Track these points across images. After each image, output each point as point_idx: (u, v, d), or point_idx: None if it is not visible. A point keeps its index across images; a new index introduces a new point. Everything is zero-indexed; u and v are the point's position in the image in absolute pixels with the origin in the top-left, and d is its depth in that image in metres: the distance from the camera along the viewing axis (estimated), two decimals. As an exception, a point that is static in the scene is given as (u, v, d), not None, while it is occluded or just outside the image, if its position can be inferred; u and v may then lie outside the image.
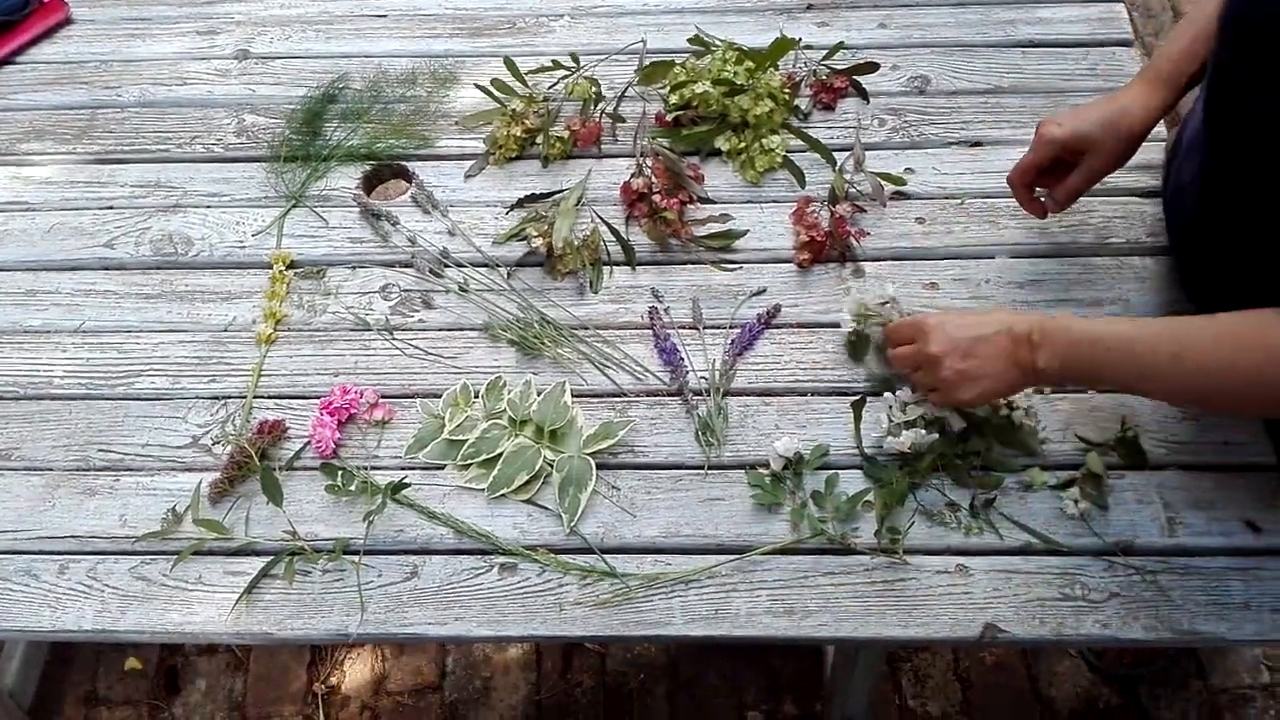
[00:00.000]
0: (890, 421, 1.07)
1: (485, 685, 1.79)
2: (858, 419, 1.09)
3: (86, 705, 1.81)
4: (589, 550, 1.06)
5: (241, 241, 1.30)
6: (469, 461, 1.10)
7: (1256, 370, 0.87)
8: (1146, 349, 0.93)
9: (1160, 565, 1.02)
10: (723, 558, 1.04)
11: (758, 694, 1.72)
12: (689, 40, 1.41)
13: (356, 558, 1.05)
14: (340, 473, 1.09)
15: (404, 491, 1.08)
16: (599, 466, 1.10)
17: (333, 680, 1.81)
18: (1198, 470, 1.07)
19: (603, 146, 1.35)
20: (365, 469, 1.10)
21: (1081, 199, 1.13)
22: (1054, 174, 1.11)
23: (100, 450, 1.15)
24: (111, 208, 1.34)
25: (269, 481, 1.06)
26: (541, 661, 1.79)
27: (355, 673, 1.81)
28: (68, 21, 1.54)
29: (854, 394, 1.12)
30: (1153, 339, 0.93)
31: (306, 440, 1.13)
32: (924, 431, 1.05)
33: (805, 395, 1.15)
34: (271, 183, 1.34)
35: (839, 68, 1.38)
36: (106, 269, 1.29)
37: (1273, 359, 0.86)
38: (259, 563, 1.06)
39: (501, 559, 1.06)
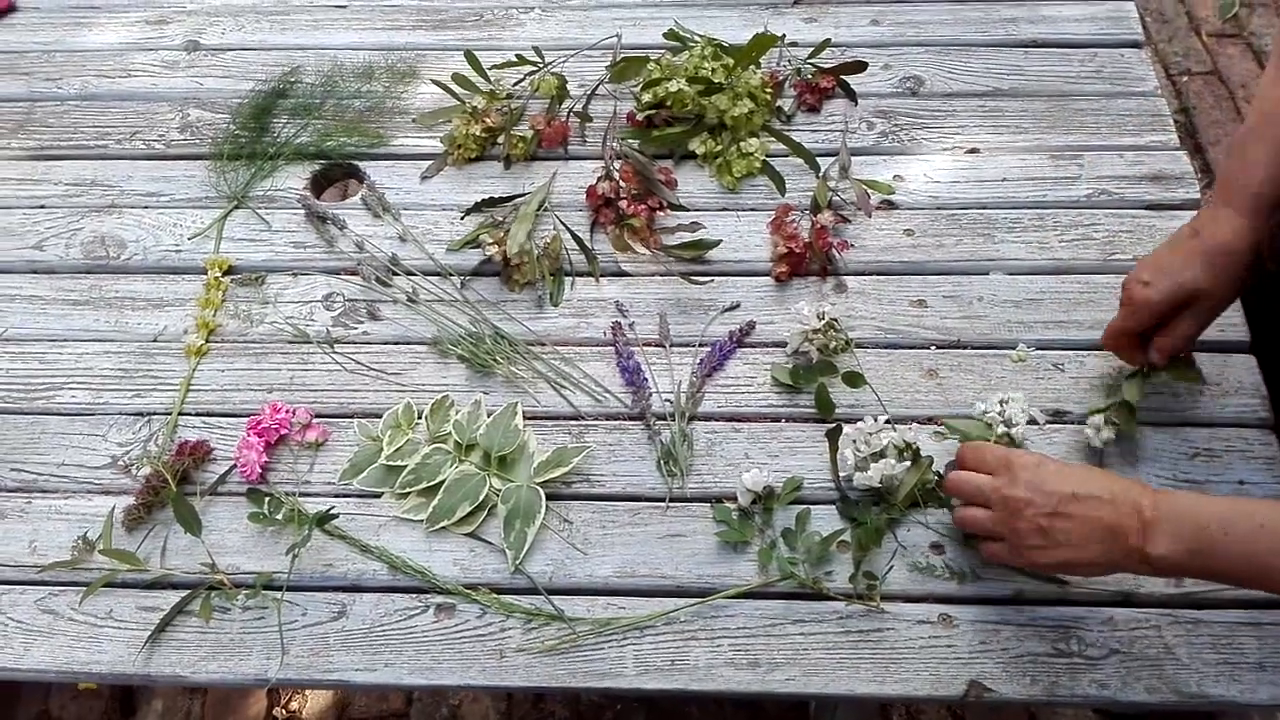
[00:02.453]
0: (856, 455, 0.97)
1: (453, 714, 1.71)
2: (834, 450, 1.00)
3: (38, 727, 1.74)
4: (535, 591, 0.97)
5: (178, 245, 1.21)
6: (407, 490, 1.01)
7: None
8: None
9: (1165, 618, 0.93)
10: (682, 602, 0.95)
11: (739, 729, 1.64)
12: (665, 35, 1.32)
13: (279, 594, 0.96)
14: (267, 500, 1.00)
15: (335, 522, 0.99)
16: (550, 497, 1.00)
17: (293, 706, 1.73)
18: (1208, 512, 0.97)
19: (569, 148, 1.27)
20: (295, 496, 1.01)
21: (1085, 211, 1.03)
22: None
23: (13, 470, 1.07)
24: (43, 207, 1.26)
25: (182, 509, 0.97)
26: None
27: (318, 699, 1.73)
28: (12, 9, 1.46)
29: (830, 422, 1.03)
30: None
31: (232, 463, 1.04)
32: (894, 462, 0.95)
33: (779, 421, 1.05)
34: (213, 182, 1.25)
35: (825, 66, 1.29)
36: (34, 272, 1.21)
37: None
38: (175, 597, 0.97)
39: (439, 599, 0.97)
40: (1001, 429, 0.99)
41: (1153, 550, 0.80)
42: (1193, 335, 0.96)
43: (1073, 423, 1.03)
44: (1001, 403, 1.00)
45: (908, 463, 0.96)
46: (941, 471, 0.98)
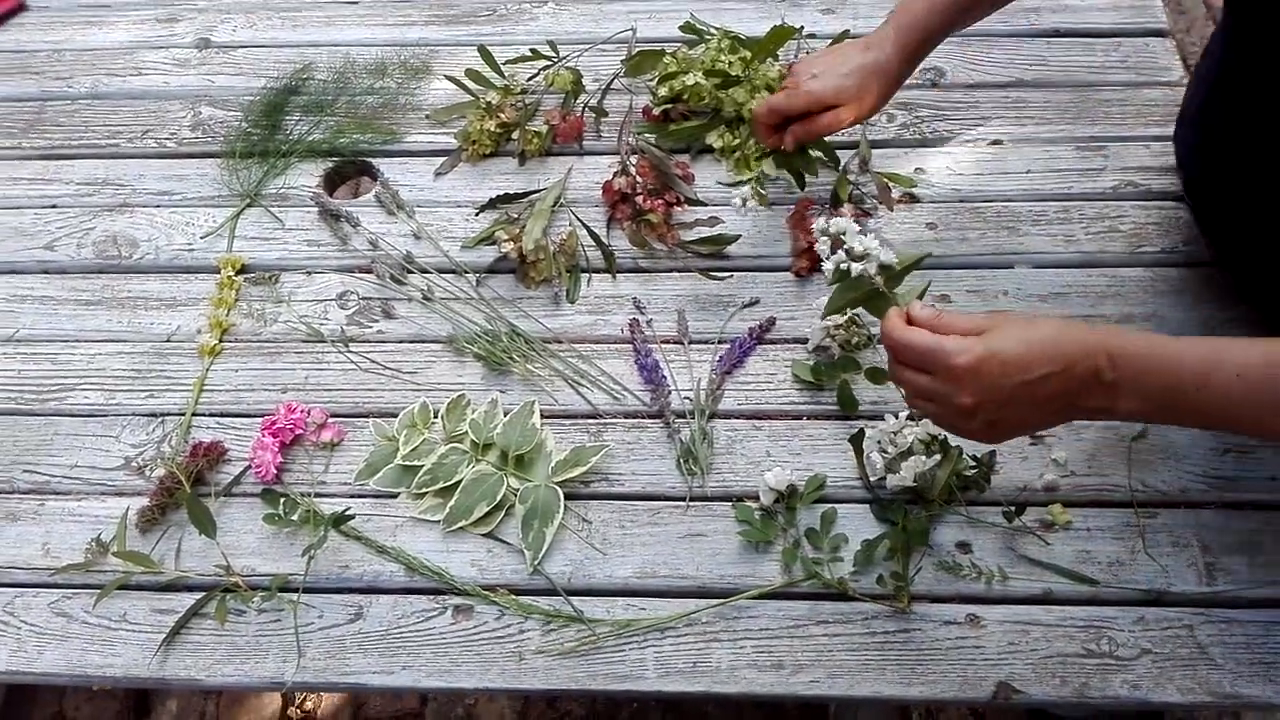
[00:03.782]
0: (884, 457, 0.95)
1: (468, 713, 1.70)
2: (859, 454, 0.98)
3: (53, 728, 1.74)
4: (554, 592, 0.95)
5: (190, 244, 1.20)
6: (424, 490, 1.00)
7: None
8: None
9: (1198, 618, 0.91)
10: (704, 602, 0.93)
11: (757, 729, 1.62)
12: (681, 28, 1.30)
13: (295, 596, 0.95)
14: (282, 501, 0.99)
15: (351, 523, 0.98)
16: (568, 497, 0.99)
17: (308, 705, 1.72)
18: (1241, 509, 0.96)
19: (584, 143, 1.25)
20: (310, 496, 1.00)
21: (1111, 203, 1.02)
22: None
23: (26, 471, 1.06)
24: (55, 206, 1.25)
25: (196, 510, 0.95)
26: (527, 690, 1.69)
27: (332, 698, 1.72)
28: (22, 8, 1.45)
29: (853, 420, 1.01)
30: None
31: (247, 464, 1.03)
32: (923, 458, 0.93)
33: (800, 419, 1.03)
34: (225, 180, 1.24)
35: (844, 58, 1.26)
36: (46, 273, 1.20)
37: None
38: (190, 599, 0.96)
39: (456, 600, 0.95)
40: (872, 268, 0.84)
41: (1118, 408, 0.78)
42: (824, 132, 1.04)
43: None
44: (835, 239, 0.85)
45: (938, 455, 0.94)
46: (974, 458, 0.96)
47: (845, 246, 0.84)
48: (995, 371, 0.77)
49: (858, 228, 0.85)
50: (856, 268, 0.84)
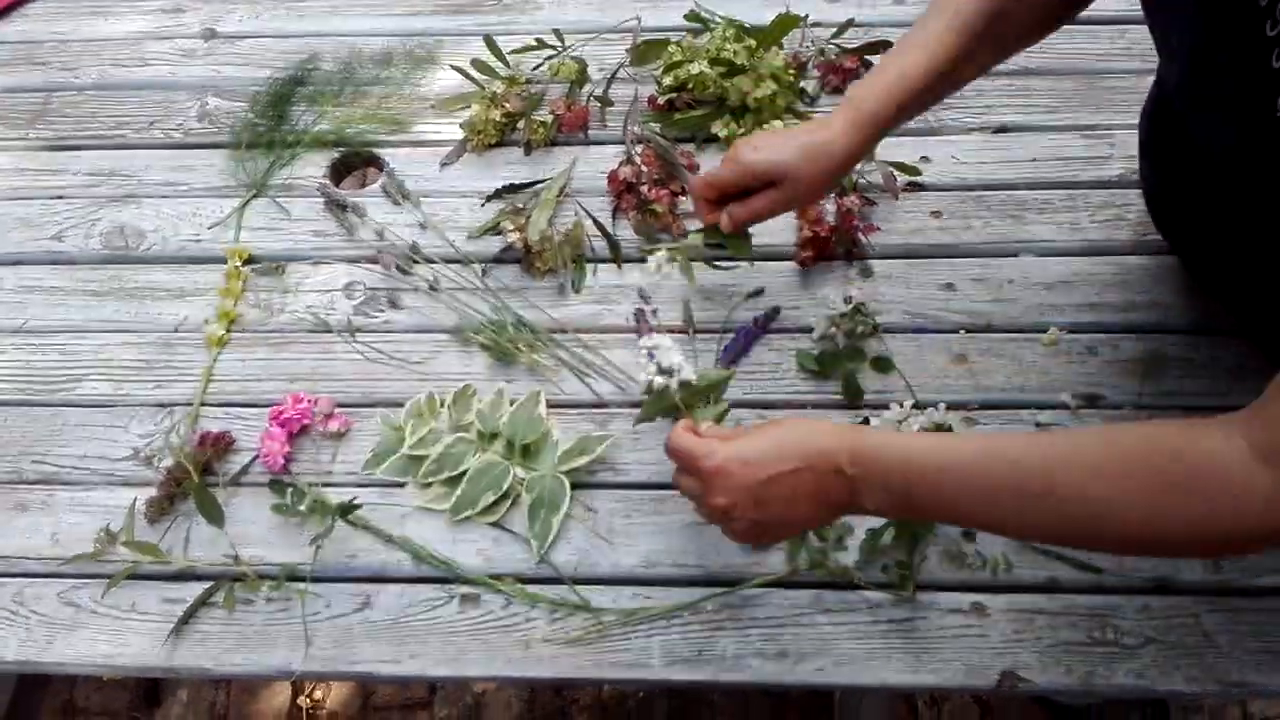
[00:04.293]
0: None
1: (476, 702, 1.71)
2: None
3: (64, 716, 1.75)
4: (560, 581, 0.95)
5: (197, 234, 1.20)
6: (430, 479, 1.00)
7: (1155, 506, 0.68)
8: (1008, 476, 0.72)
9: (1204, 606, 0.91)
10: (709, 591, 0.94)
11: (763, 716, 1.62)
12: (686, 17, 1.30)
13: (303, 586, 0.95)
14: (289, 490, 0.99)
15: (358, 512, 0.98)
16: (574, 486, 0.99)
17: (317, 695, 1.73)
18: (1247, 498, 0.95)
19: (590, 132, 1.25)
20: (317, 486, 1.00)
21: (1117, 191, 1.01)
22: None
23: (34, 462, 1.06)
24: (62, 197, 1.25)
25: (204, 500, 0.96)
26: (534, 679, 1.70)
27: (341, 687, 1.73)
28: (28, -1, 1.45)
29: (858, 409, 1.01)
30: (1017, 465, 0.72)
31: (255, 454, 1.03)
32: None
33: (805, 408, 1.04)
34: (232, 171, 1.24)
35: (849, 47, 1.26)
36: (53, 263, 1.20)
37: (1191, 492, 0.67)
38: (198, 589, 0.97)
39: (463, 589, 0.96)
40: (674, 382, 0.87)
41: (863, 503, 0.77)
42: (764, 213, 0.97)
43: (1107, 407, 1.01)
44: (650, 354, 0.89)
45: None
46: None
47: (655, 361, 0.87)
48: (737, 471, 0.78)
49: (671, 344, 0.88)
50: (660, 382, 0.87)
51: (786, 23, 1.23)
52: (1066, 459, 0.71)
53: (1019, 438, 0.79)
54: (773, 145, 0.95)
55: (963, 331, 1.07)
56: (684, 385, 0.88)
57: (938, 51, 0.92)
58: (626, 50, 1.29)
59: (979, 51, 0.94)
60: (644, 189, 1.14)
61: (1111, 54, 1.27)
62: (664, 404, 0.88)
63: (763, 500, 0.78)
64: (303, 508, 0.98)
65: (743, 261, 1.08)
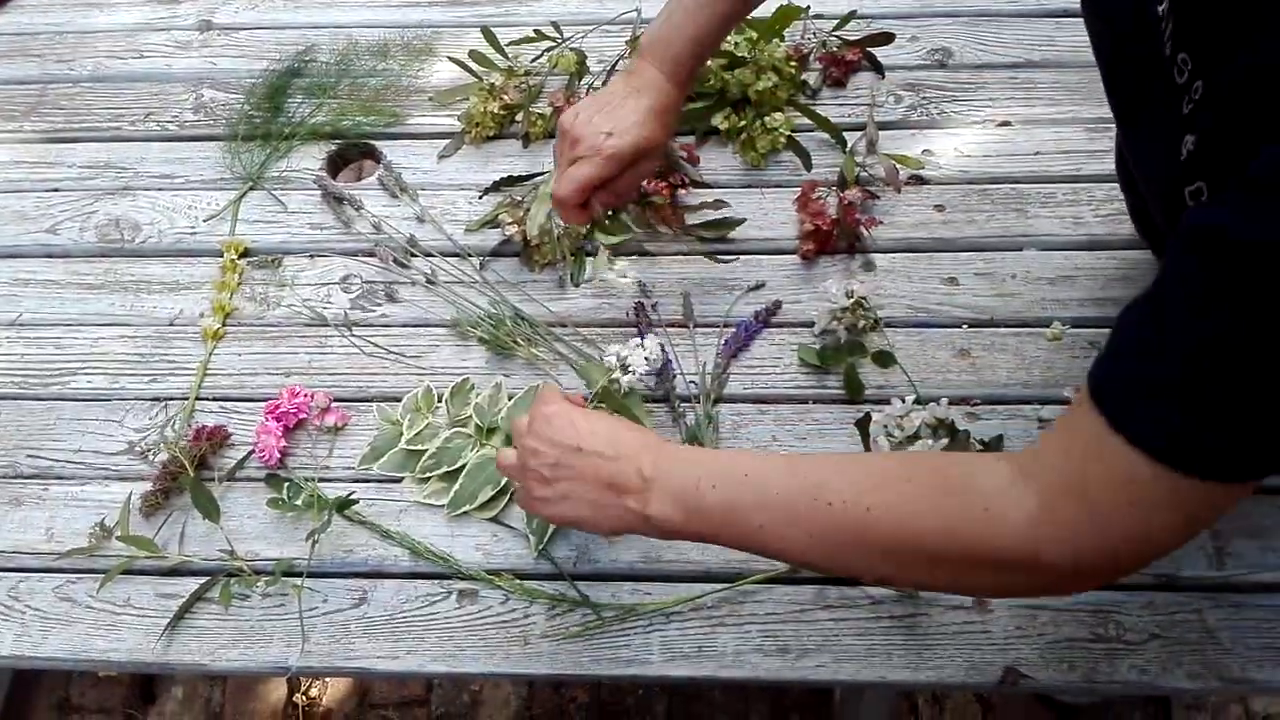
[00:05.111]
0: (890, 441, 0.95)
1: (474, 700, 1.70)
2: (865, 438, 0.97)
3: (59, 713, 1.74)
4: (559, 576, 0.95)
5: (193, 227, 1.19)
6: (428, 474, 0.99)
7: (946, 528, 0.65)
8: (781, 488, 0.70)
9: (1207, 602, 0.90)
10: (709, 587, 0.93)
11: (763, 714, 1.61)
12: (686, 8, 1.29)
13: (299, 581, 0.94)
14: (286, 485, 0.99)
15: (355, 507, 0.97)
16: (573, 481, 0.98)
17: (313, 692, 1.72)
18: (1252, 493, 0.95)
19: (589, 125, 1.23)
20: (314, 481, 0.99)
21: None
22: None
23: (29, 456, 1.05)
24: (57, 190, 1.24)
25: (199, 494, 0.95)
26: (532, 676, 1.70)
27: (338, 685, 1.72)
28: (23, -10, 1.44)
29: (859, 404, 1.00)
30: (790, 476, 0.71)
31: (251, 448, 1.02)
32: (930, 442, 0.93)
33: (806, 403, 1.03)
34: (228, 163, 1.23)
35: (851, 39, 1.26)
36: (49, 256, 1.19)
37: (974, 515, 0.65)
38: (194, 584, 0.96)
39: (461, 585, 0.95)
40: (617, 374, 0.96)
41: (651, 511, 0.74)
42: (628, 193, 0.98)
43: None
44: (626, 353, 0.97)
45: (945, 440, 0.93)
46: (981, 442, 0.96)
47: (628, 352, 0.96)
48: (559, 424, 0.78)
49: (652, 355, 0.96)
50: (612, 363, 0.96)
51: (788, 14, 1.22)
52: (848, 466, 0.72)
53: (817, 456, 0.79)
54: (622, 123, 0.94)
55: (965, 326, 1.06)
56: (614, 382, 0.96)
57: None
58: (626, 42, 1.28)
59: None
60: (643, 182, 1.13)
61: (1114, 47, 1.26)
62: (593, 378, 0.98)
63: (561, 464, 0.77)
64: (299, 502, 0.98)
65: (746, 255, 1.08)
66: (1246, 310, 0.54)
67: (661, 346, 1.00)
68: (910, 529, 0.66)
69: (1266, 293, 0.53)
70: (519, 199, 1.15)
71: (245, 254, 1.16)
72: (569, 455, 0.77)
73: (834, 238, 1.11)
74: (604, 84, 1.26)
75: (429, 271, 1.13)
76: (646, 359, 0.96)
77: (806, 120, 1.19)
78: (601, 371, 0.98)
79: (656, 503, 0.73)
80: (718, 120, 1.20)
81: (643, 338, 0.99)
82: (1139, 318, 0.60)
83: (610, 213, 1.04)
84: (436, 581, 0.95)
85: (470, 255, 1.14)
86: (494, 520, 0.98)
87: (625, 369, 0.95)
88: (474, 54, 1.26)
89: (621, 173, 0.95)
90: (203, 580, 0.96)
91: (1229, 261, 0.54)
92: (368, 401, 1.05)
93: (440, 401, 1.04)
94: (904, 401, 0.98)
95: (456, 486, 0.98)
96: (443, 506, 0.98)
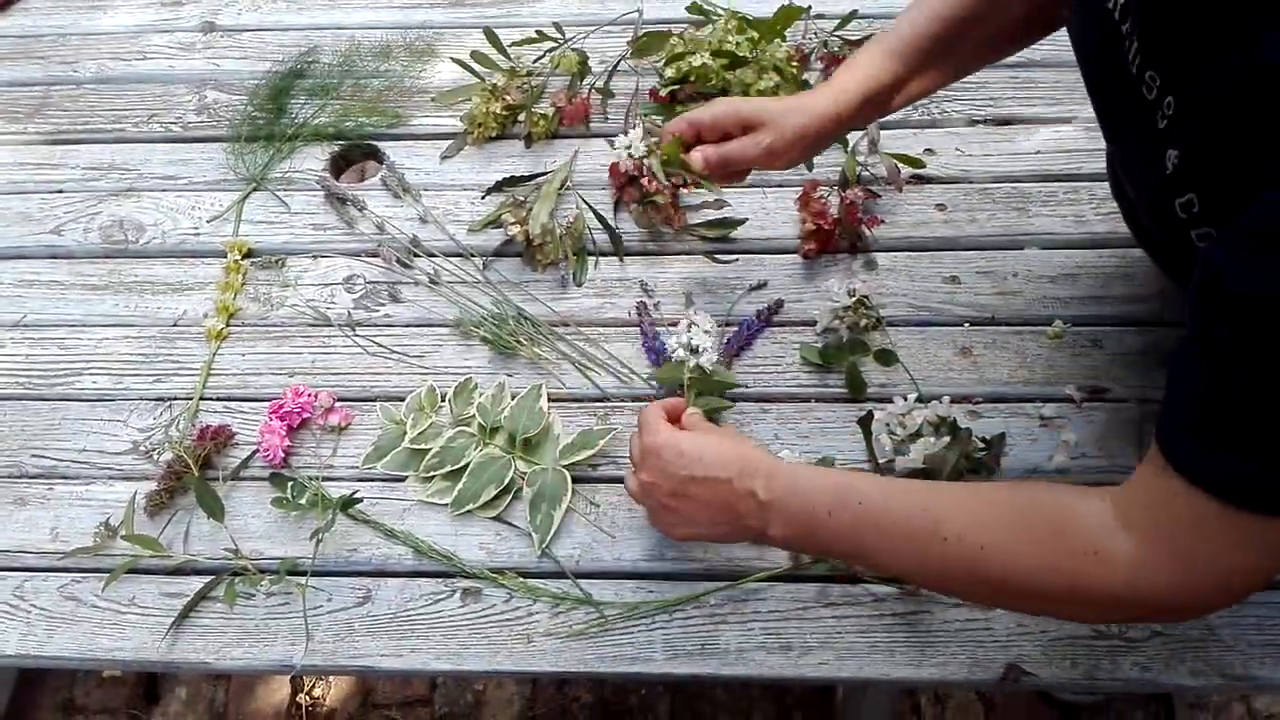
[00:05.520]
0: (893, 439, 0.95)
1: (477, 699, 1.70)
2: (868, 436, 0.97)
3: (64, 713, 1.74)
4: (562, 575, 0.95)
5: (196, 228, 1.19)
6: (432, 473, 1.00)
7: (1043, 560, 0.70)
8: (900, 517, 0.74)
9: (1209, 599, 0.90)
10: (712, 585, 0.93)
11: (766, 713, 1.62)
12: (688, 9, 1.29)
13: (304, 580, 0.95)
14: (290, 484, 0.99)
15: (359, 506, 0.98)
16: (576, 480, 0.99)
17: (317, 692, 1.72)
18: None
19: (591, 125, 1.24)
20: (318, 480, 1.00)
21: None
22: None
23: (34, 456, 1.06)
24: (61, 191, 1.24)
25: (204, 494, 0.95)
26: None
27: (341, 684, 1.72)
28: (26, -8, 1.45)
29: (861, 403, 1.00)
30: (905, 505, 0.75)
31: (255, 448, 1.03)
32: (932, 440, 0.93)
33: (808, 401, 1.03)
34: (231, 164, 1.24)
35: (852, 38, 1.26)
36: (53, 257, 1.20)
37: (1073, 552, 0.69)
38: (198, 583, 0.96)
39: (465, 583, 0.95)
40: (693, 362, 0.98)
41: (770, 532, 0.79)
42: (736, 158, 0.95)
43: (1112, 400, 1.01)
44: (685, 339, 0.98)
45: (947, 438, 0.94)
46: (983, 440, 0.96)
47: (689, 335, 0.97)
48: (668, 458, 0.82)
49: (711, 329, 0.98)
50: (681, 355, 0.97)
51: (790, 14, 1.22)
52: (964, 500, 0.74)
53: (930, 485, 0.81)
54: (759, 99, 0.99)
55: (967, 324, 1.06)
56: (698, 369, 0.97)
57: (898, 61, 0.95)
58: (628, 42, 1.28)
59: (946, 58, 0.96)
60: (645, 181, 1.13)
61: (1115, 46, 1.26)
62: (675, 376, 0.96)
63: (679, 494, 0.81)
64: (303, 502, 0.98)
65: (748, 255, 1.08)
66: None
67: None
68: (1023, 568, 0.70)
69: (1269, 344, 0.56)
70: (521, 199, 1.16)
71: (249, 254, 1.16)
72: (684, 485, 0.81)
73: (836, 237, 1.11)
74: (606, 84, 1.26)
75: (432, 272, 1.13)
76: (707, 332, 0.98)
77: (808, 120, 1.19)
78: (675, 369, 0.99)
79: (776, 526, 0.78)
80: (719, 120, 1.20)
81: (683, 323, 0.99)
82: (1192, 372, 0.63)
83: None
84: (440, 580, 0.96)
85: (473, 255, 1.14)
86: (497, 519, 0.98)
87: (695, 352, 0.97)
88: (476, 55, 1.26)
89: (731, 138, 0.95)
90: (207, 579, 0.96)
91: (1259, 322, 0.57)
92: (371, 401, 1.06)
93: (443, 401, 1.04)
94: (906, 400, 0.98)
95: (460, 485, 0.98)
96: (446, 505, 0.99)
